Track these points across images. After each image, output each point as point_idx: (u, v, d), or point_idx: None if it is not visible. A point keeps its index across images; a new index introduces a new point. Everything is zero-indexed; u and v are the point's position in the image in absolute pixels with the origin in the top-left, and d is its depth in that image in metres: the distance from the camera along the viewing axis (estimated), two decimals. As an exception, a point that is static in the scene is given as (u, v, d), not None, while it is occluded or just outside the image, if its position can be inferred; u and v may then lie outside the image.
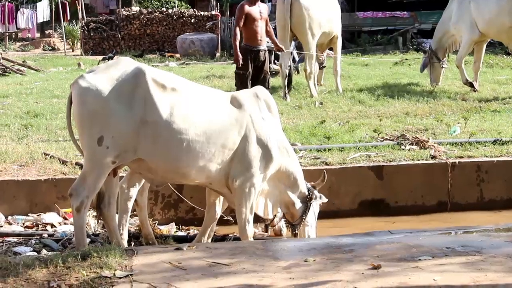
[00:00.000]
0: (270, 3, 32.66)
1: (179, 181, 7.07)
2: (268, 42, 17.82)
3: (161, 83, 6.12)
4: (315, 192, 7.16)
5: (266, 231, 7.55)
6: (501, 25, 13.86)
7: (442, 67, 14.79)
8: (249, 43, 10.82)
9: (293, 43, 18.84)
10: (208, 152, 6.26)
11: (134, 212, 7.46)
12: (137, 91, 6.01)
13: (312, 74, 14.03)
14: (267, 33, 11.18)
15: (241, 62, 10.74)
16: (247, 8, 10.64)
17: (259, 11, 10.70)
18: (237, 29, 10.73)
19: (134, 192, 6.91)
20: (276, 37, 13.66)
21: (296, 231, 7.19)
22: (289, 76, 13.98)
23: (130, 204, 6.93)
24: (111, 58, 25.84)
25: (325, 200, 7.30)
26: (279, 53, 17.83)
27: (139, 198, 7.07)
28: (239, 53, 10.69)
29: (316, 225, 7.34)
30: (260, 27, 10.75)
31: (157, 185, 6.72)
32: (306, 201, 7.11)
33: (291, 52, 14.29)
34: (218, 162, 6.37)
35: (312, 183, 7.25)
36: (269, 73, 11.08)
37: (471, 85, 14.13)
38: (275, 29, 19.17)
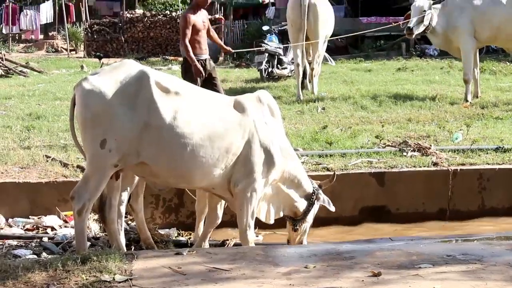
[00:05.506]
0: (273, 7, 32.73)
1: (182, 185, 7.07)
2: (271, 44, 17.95)
3: (165, 87, 6.11)
4: (321, 194, 7.14)
5: None
6: (510, 33, 13.86)
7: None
8: (195, 53, 10.15)
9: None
10: (212, 157, 6.25)
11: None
12: (141, 94, 6.00)
13: (318, 73, 15.06)
14: (212, 38, 10.64)
15: (204, 74, 10.08)
16: (192, 18, 10.08)
17: (202, 20, 10.20)
18: (187, 40, 10.06)
19: (125, 196, 6.87)
20: (288, 39, 15.33)
21: (297, 227, 7.17)
22: (303, 75, 14.96)
23: (123, 208, 6.88)
24: (100, 57, 25.95)
25: (332, 208, 7.27)
26: (283, 57, 18.09)
27: (134, 204, 7.05)
28: (198, 65, 10.00)
29: (311, 222, 7.32)
30: (203, 36, 10.26)
31: (160, 188, 6.71)
32: (310, 198, 7.09)
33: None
34: (222, 167, 6.35)
35: (319, 182, 7.24)
36: (218, 80, 10.50)
37: (466, 100, 13.98)
38: (284, 31, 19.49)
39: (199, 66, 9.99)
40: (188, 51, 9.99)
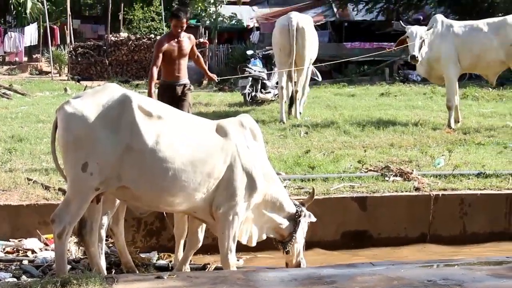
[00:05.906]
0: (258, 32, 32.88)
1: (164, 209, 7.04)
2: (255, 69, 17.99)
3: (147, 111, 6.11)
4: (304, 210, 7.15)
5: None
6: (491, 61, 14.01)
7: None
8: (167, 79, 10.16)
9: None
10: (194, 181, 6.24)
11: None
12: (123, 118, 5.99)
13: (302, 96, 15.37)
14: (197, 63, 10.59)
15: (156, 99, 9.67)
16: (165, 46, 9.88)
17: (178, 47, 9.95)
18: (154, 68, 9.91)
19: (106, 220, 6.85)
20: (274, 63, 15.82)
21: (288, 249, 7.16)
22: (291, 99, 15.30)
23: (104, 232, 6.85)
24: (78, 80, 26.14)
25: (313, 219, 7.27)
26: (266, 81, 18.16)
27: (115, 228, 7.03)
28: (152, 94, 9.91)
29: (304, 242, 7.32)
30: (179, 63, 10.04)
31: (141, 212, 6.69)
32: (295, 218, 7.09)
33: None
34: (203, 191, 6.34)
35: (301, 200, 7.25)
36: (190, 107, 10.33)
37: (449, 126, 14.03)
38: (268, 56, 19.65)
39: (152, 93, 9.89)
40: (151, 77, 9.94)
